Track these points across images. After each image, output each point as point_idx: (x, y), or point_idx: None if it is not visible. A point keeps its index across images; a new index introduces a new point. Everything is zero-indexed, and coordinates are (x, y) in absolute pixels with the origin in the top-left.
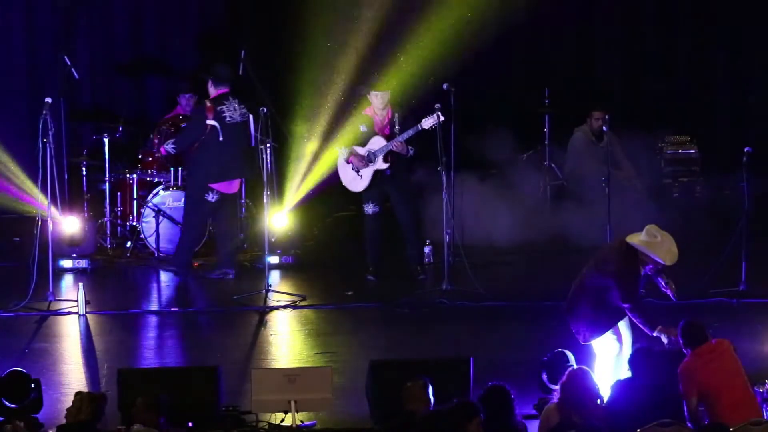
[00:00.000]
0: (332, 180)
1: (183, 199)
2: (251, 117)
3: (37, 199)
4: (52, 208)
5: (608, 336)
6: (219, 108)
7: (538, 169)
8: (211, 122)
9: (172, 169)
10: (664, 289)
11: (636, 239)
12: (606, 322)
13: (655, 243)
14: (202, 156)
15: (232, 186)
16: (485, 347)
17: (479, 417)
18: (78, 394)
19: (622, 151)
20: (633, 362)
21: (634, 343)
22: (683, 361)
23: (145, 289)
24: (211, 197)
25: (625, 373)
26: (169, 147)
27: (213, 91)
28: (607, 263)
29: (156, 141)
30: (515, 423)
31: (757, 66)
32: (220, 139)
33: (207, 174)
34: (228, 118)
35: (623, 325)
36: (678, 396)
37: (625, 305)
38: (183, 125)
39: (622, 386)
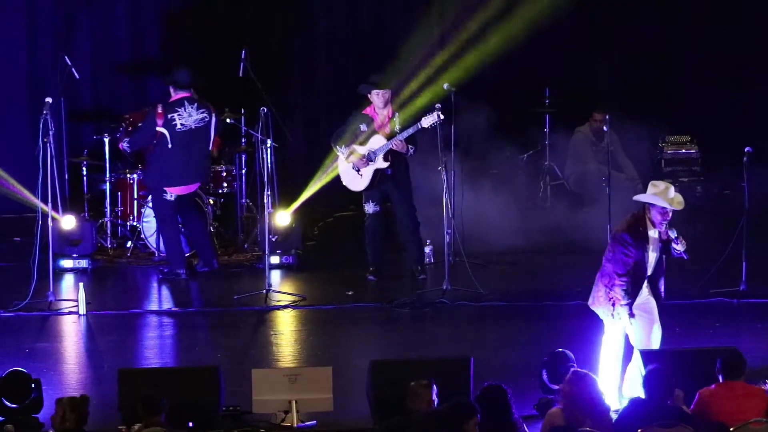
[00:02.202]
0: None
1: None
2: (213, 118)
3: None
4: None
5: (617, 337)
6: (170, 115)
7: (538, 169)
8: (160, 129)
9: None
10: (675, 244)
11: (641, 195)
12: (630, 289)
13: (659, 192)
14: (154, 159)
15: (188, 188)
16: (485, 347)
17: (476, 417)
18: (59, 401)
19: (622, 151)
20: (647, 383)
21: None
22: (709, 387)
23: (145, 289)
24: (169, 196)
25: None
26: (125, 144)
27: (173, 95)
28: (615, 230)
29: (118, 135)
30: (512, 422)
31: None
32: (169, 146)
33: (159, 177)
34: (179, 126)
35: (638, 327)
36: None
37: (615, 273)
38: (140, 124)
39: (635, 405)
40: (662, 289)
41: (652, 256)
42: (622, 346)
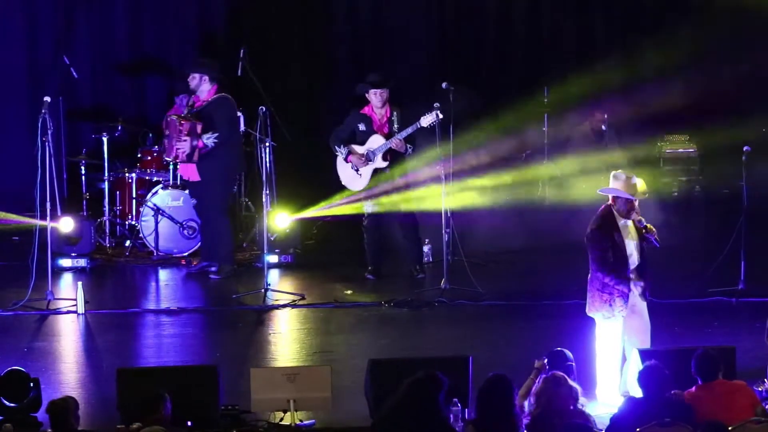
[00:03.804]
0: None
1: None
2: None
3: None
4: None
5: (615, 340)
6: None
7: (538, 168)
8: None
9: (171, 167)
10: (646, 234)
11: (604, 188)
12: (621, 275)
13: (621, 183)
14: (232, 147)
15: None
16: (485, 347)
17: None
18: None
19: (621, 150)
20: (643, 380)
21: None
22: (690, 390)
23: (144, 288)
24: (235, 187)
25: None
26: (210, 141)
27: (208, 86)
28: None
29: (190, 138)
30: (514, 414)
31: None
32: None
33: (238, 164)
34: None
35: (630, 330)
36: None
37: (600, 274)
38: (212, 118)
39: (631, 405)
40: (647, 286)
41: (630, 244)
42: (621, 348)
